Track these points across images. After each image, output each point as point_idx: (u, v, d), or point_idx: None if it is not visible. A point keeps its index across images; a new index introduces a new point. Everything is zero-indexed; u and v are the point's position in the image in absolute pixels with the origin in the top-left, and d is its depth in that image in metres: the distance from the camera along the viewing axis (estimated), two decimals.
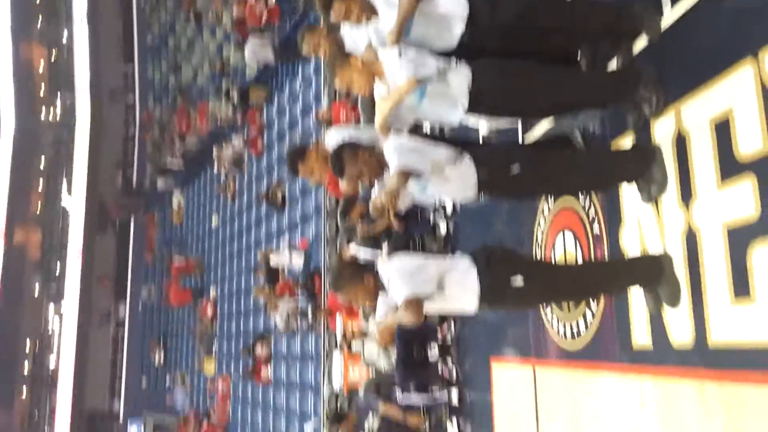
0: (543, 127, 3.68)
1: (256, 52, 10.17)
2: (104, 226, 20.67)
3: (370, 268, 2.84)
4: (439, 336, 5.62)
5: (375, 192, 3.11)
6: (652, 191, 2.72)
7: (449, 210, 5.57)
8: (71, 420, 20.50)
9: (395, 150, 2.73)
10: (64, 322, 21.53)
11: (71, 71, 22.20)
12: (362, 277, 2.73)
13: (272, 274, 9.86)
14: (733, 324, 2.38)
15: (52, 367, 22.71)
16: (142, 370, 17.74)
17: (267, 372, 10.23)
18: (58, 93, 23.30)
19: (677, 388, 2.65)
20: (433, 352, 5.70)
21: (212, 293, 13.06)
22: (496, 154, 2.97)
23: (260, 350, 10.35)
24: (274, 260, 9.13)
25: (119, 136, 20.58)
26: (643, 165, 2.73)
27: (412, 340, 5.69)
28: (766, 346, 2.23)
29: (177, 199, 15.82)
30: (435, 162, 2.69)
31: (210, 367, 12.88)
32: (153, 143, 17.32)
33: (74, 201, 21.45)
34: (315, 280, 8.72)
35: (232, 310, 12.27)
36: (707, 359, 2.48)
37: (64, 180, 22.79)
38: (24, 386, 22.77)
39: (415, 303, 2.58)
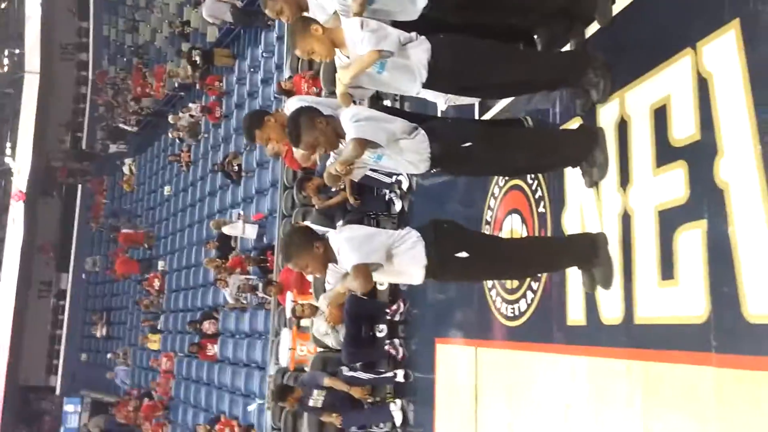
0: (498, 106, 3.81)
1: (213, 10, 10.06)
2: (49, 190, 20.14)
3: (320, 236, 2.93)
4: (388, 316, 5.76)
5: (330, 161, 3.19)
6: (594, 175, 2.88)
7: (405, 187, 5.69)
8: (4, 394, 20.07)
9: (352, 119, 2.81)
10: (1, 291, 20.96)
11: (21, 22, 21.43)
12: (312, 245, 2.81)
13: (224, 247, 9.85)
14: (657, 304, 2.56)
15: None
16: (83, 345, 17.49)
17: (213, 349, 10.24)
18: (6, 45, 22.45)
19: (605, 364, 2.84)
20: (382, 331, 5.85)
21: (161, 266, 12.95)
22: (451, 128, 3.09)
23: (207, 326, 10.35)
24: (227, 230, 9.12)
25: (70, 95, 20.01)
26: (587, 148, 2.89)
27: (361, 319, 5.82)
28: (685, 324, 2.42)
29: (128, 165, 15.55)
30: (390, 133, 2.79)
31: (154, 342, 12.81)
32: (106, 105, 16.94)
33: (18, 162, 20.82)
34: (268, 255, 8.76)
35: (181, 284, 12.20)
36: (633, 337, 2.67)
37: (8, 138, 22.08)
38: None
39: (364, 270, 2.68)
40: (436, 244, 2.77)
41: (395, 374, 5.58)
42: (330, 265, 2.92)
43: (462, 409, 4.48)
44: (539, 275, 3.30)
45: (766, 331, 2.07)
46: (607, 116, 2.87)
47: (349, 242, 2.77)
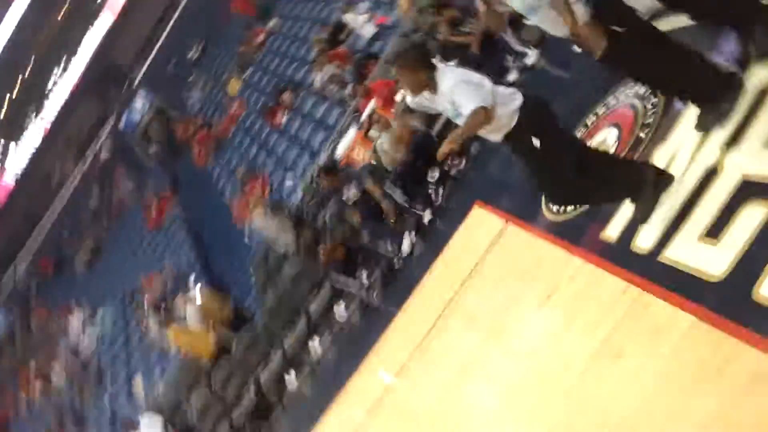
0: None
1: None
2: None
3: (433, 65, 3.03)
4: (446, 165, 6.00)
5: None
6: (709, 120, 2.90)
7: (529, 63, 5.65)
8: (89, 63, 21.42)
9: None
10: None
11: None
12: (424, 66, 2.94)
13: (336, 35, 10.00)
14: (688, 253, 2.72)
15: None
16: (175, 54, 18.31)
17: (281, 118, 10.76)
18: None
19: (608, 279, 3.07)
20: (434, 174, 6.13)
21: (272, 23, 13.21)
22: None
23: (286, 97, 10.79)
24: (349, 18, 9.19)
25: None
26: (720, 90, 2.87)
27: (423, 154, 6.08)
28: (698, 277, 2.59)
29: None
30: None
31: (234, 87, 13.42)
32: None
33: None
34: (369, 63, 8.91)
35: (282, 49, 12.53)
36: (647, 268, 2.86)
37: None
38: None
39: (485, 112, 2.80)
40: (527, 117, 2.87)
41: (424, 213, 5.95)
42: (424, 92, 3.06)
43: (460, 269, 4.84)
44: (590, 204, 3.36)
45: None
46: (757, 76, 2.83)
47: (467, 84, 2.87)
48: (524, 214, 4.28)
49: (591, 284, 3.19)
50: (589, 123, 4.06)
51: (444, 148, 2.94)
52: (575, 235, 3.55)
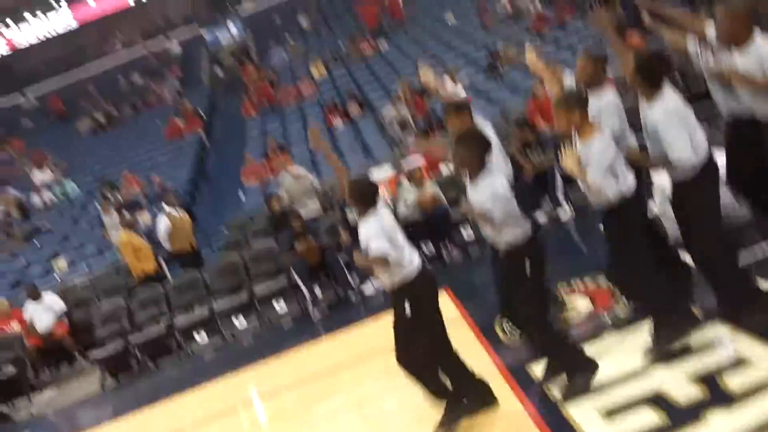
0: None
1: None
2: None
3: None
4: (447, 245, 6.46)
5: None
6: (566, 390, 3.39)
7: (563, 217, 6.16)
8: None
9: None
10: None
11: None
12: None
13: (426, 92, 10.77)
14: (584, 417, 3.18)
15: None
16: (290, 12, 19.18)
17: (337, 121, 11.40)
18: None
19: (510, 399, 3.52)
20: (428, 246, 6.61)
21: (381, 44, 14.15)
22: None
23: (354, 106, 11.50)
24: (442, 90, 9.82)
25: None
26: (578, 366, 3.42)
27: (432, 226, 6.59)
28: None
29: None
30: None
31: (318, 70, 14.32)
32: None
33: None
34: (437, 128, 9.56)
35: (376, 69, 13.35)
36: (549, 408, 3.34)
37: None
38: None
39: (374, 261, 3.29)
40: (410, 285, 3.32)
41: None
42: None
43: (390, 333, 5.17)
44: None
45: None
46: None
47: (379, 230, 3.24)
48: (480, 320, 4.68)
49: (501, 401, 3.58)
50: (572, 283, 4.58)
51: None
52: (508, 356, 4.01)
